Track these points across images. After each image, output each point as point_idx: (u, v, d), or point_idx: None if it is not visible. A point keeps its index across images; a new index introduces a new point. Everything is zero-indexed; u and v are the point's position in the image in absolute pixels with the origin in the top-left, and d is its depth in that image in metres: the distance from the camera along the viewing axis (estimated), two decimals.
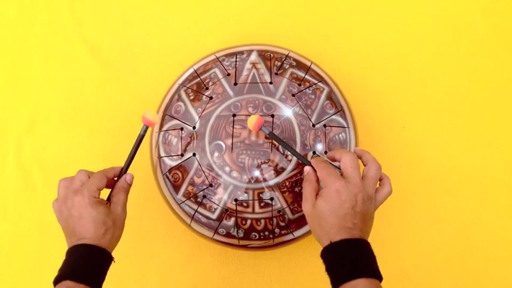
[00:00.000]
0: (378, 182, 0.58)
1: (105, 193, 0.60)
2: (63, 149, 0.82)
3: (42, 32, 0.87)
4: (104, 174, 0.59)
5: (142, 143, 0.77)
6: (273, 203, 0.65)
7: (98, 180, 0.57)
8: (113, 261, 0.57)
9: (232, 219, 0.66)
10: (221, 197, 0.65)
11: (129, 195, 0.79)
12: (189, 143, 0.67)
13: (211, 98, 0.68)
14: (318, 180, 0.58)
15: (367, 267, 0.51)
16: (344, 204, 0.53)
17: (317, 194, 0.57)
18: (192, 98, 0.69)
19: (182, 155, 0.67)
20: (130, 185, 0.61)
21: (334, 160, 0.60)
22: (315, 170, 0.58)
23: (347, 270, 0.51)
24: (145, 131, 0.61)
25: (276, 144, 0.65)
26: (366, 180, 0.56)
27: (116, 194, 0.60)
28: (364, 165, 0.58)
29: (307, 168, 0.59)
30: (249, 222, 0.66)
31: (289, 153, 0.65)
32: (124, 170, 0.61)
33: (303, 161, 0.61)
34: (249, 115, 0.65)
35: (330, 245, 0.53)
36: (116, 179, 0.61)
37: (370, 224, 0.56)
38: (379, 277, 0.51)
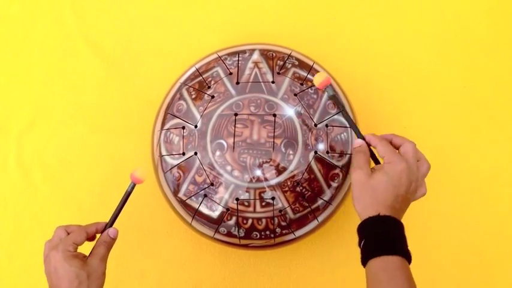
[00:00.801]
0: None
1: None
2: (64, 147, 0.82)
3: (44, 30, 0.87)
4: (84, 230, 0.59)
5: (143, 141, 0.77)
6: (274, 203, 0.65)
7: (75, 235, 0.58)
8: None
9: (234, 218, 0.66)
10: (222, 196, 0.65)
11: (130, 195, 0.80)
12: (190, 142, 0.67)
13: (213, 96, 0.68)
14: (370, 155, 0.59)
15: (405, 248, 0.53)
16: (402, 186, 0.55)
17: (372, 168, 0.57)
18: (194, 96, 0.69)
19: (183, 153, 0.67)
20: (114, 240, 0.60)
21: (397, 146, 0.60)
22: (368, 145, 0.59)
23: (388, 245, 0.52)
24: (132, 188, 0.61)
25: (278, 143, 0.64)
26: (420, 172, 0.58)
27: (97, 247, 0.59)
28: (418, 161, 0.58)
29: (359, 141, 0.60)
30: (250, 221, 0.66)
31: (290, 152, 0.65)
32: (109, 225, 0.61)
33: (356, 133, 0.61)
34: (251, 114, 0.65)
35: (377, 216, 0.53)
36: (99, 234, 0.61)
37: (404, 213, 0.57)
38: (410, 261, 0.53)
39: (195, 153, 0.66)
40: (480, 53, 0.86)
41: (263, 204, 0.65)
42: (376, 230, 0.53)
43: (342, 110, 0.63)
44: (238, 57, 0.71)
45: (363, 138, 0.60)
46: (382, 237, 0.52)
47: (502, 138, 0.82)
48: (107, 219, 0.78)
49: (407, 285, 0.50)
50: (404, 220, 0.77)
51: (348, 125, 0.62)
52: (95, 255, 0.58)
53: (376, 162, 0.60)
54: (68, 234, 0.58)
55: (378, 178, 0.55)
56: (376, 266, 0.51)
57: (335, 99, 0.62)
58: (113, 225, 0.61)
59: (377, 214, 0.53)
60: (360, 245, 0.54)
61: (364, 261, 0.52)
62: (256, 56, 0.71)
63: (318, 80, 0.63)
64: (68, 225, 0.60)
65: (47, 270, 0.57)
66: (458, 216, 0.79)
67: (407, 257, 0.52)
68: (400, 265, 0.51)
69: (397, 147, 0.59)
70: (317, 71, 0.72)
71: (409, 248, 0.77)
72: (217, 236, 0.68)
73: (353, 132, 0.70)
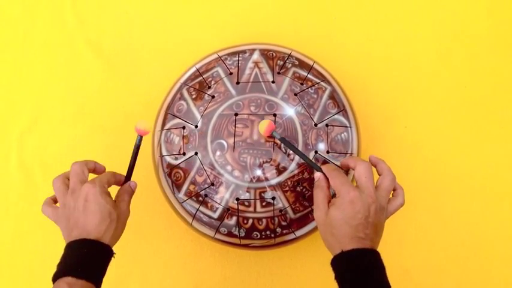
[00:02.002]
0: (392, 192, 0.58)
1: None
2: (65, 147, 0.82)
3: (44, 31, 0.87)
4: (114, 174, 0.61)
5: (144, 141, 0.77)
6: (275, 203, 0.65)
7: (108, 176, 0.60)
8: (113, 257, 0.57)
9: (234, 218, 0.66)
10: (223, 196, 0.65)
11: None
12: (191, 142, 0.67)
13: (213, 96, 0.68)
14: (329, 187, 0.58)
15: (376, 277, 0.52)
16: (357, 214, 0.53)
17: (329, 202, 0.57)
18: (194, 96, 0.69)
19: (184, 153, 0.67)
20: (133, 191, 0.63)
21: (348, 167, 0.60)
22: (326, 177, 0.58)
23: (356, 279, 0.51)
24: (140, 141, 0.62)
25: (278, 143, 0.64)
26: (380, 191, 0.56)
27: (121, 195, 0.61)
28: (379, 175, 0.58)
29: (318, 175, 0.59)
30: (250, 221, 0.66)
31: (291, 152, 0.65)
32: (127, 178, 0.63)
33: (314, 167, 0.61)
34: (251, 114, 0.65)
35: (341, 253, 0.53)
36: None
37: (381, 234, 0.56)
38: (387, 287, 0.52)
39: (196, 153, 0.66)
40: (481, 52, 0.85)
41: (263, 204, 0.65)
42: (345, 266, 0.53)
43: (294, 150, 0.61)
44: (239, 57, 0.71)
45: (320, 170, 0.59)
46: (351, 274, 0.52)
47: (502, 138, 0.82)
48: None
49: None
50: (404, 220, 0.78)
51: (309, 163, 0.62)
52: (122, 202, 0.60)
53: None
54: (88, 169, 0.60)
55: (332, 215, 0.54)
56: None
57: (285, 142, 0.61)
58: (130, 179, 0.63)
59: (340, 252, 0.53)
60: (335, 279, 0.54)
61: None
62: (256, 55, 0.71)
63: (262, 128, 0.61)
64: (85, 161, 0.61)
65: (70, 206, 0.56)
66: (459, 216, 0.79)
67: (384, 286, 0.51)
68: None
69: (351, 169, 0.58)
70: (317, 71, 0.72)
71: (411, 248, 0.78)
72: (217, 236, 0.68)
73: (354, 132, 0.70)
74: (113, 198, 0.60)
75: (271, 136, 0.62)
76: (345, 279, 0.53)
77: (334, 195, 0.58)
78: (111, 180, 0.60)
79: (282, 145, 0.64)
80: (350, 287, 0.52)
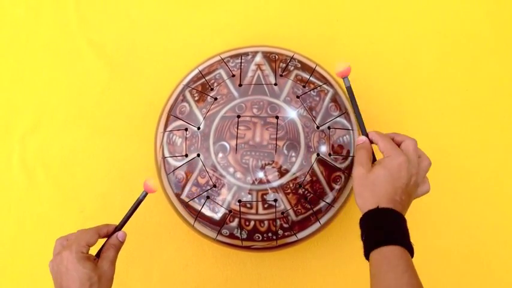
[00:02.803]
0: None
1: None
2: (67, 148, 0.82)
3: (47, 32, 0.87)
4: (96, 231, 0.59)
5: (146, 143, 0.77)
6: (277, 205, 0.65)
7: (88, 236, 0.58)
8: None
9: (236, 220, 0.66)
10: (225, 198, 0.65)
11: (133, 196, 0.80)
12: (193, 144, 0.67)
13: (216, 98, 0.68)
14: (372, 151, 0.60)
15: (406, 239, 0.53)
16: (401, 178, 0.55)
17: (372, 163, 0.58)
18: (196, 98, 0.69)
19: (186, 155, 0.67)
20: (122, 243, 0.61)
21: (399, 143, 0.60)
22: (370, 142, 0.60)
23: (388, 234, 0.52)
24: (144, 197, 0.61)
25: (280, 145, 0.65)
26: (421, 167, 0.58)
27: (106, 250, 0.59)
28: (419, 157, 0.59)
29: (362, 138, 0.61)
30: (252, 223, 0.66)
31: (293, 154, 0.65)
32: (118, 228, 0.61)
33: (362, 128, 0.62)
34: (254, 116, 0.66)
35: (376, 209, 0.54)
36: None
37: (408, 207, 0.57)
38: (412, 252, 0.53)
39: (198, 155, 0.66)
40: (483, 55, 0.86)
41: (265, 206, 0.65)
42: (375, 222, 0.54)
43: (353, 104, 0.62)
44: (241, 59, 0.71)
45: (367, 135, 0.61)
46: (382, 229, 0.53)
47: (504, 140, 0.82)
48: (109, 220, 0.79)
49: (408, 274, 0.50)
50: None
51: (360, 123, 0.62)
52: (105, 259, 0.58)
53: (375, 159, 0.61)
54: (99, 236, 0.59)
55: (377, 172, 0.56)
56: (376, 258, 0.52)
57: (350, 93, 0.62)
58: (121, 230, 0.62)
59: (376, 207, 0.54)
60: (362, 238, 0.54)
61: (367, 254, 0.53)
62: (259, 58, 0.71)
63: (339, 68, 0.62)
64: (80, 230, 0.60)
65: (56, 269, 0.56)
66: (460, 217, 0.79)
67: (408, 247, 0.52)
68: (399, 255, 0.51)
69: (398, 144, 0.59)
70: (320, 73, 0.72)
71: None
72: (219, 237, 0.68)
73: (356, 135, 0.70)
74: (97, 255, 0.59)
75: (343, 77, 0.62)
76: (375, 232, 0.53)
77: (374, 161, 0.59)
78: (90, 241, 0.58)
79: (285, 147, 0.65)
80: (379, 240, 0.52)
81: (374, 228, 0.54)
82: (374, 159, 0.61)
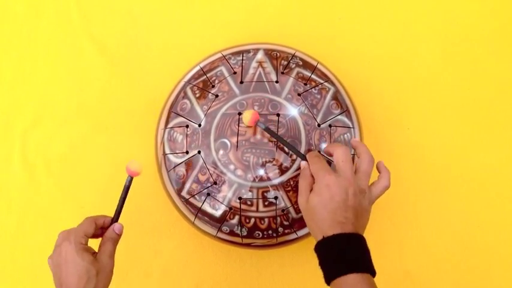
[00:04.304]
0: (378, 175, 0.58)
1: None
2: (68, 145, 0.82)
3: (49, 28, 0.87)
4: (93, 220, 0.59)
5: (147, 139, 0.77)
6: (277, 202, 0.65)
7: (85, 227, 0.57)
8: None
9: (236, 217, 0.66)
10: (225, 195, 0.65)
11: (133, 194, 0.80)
12: (194, 141, 0.67)
13: (217, 96, 0.68)
14: (312, 175, 0.58)
15: (359, 261, 0.51)
16: (334, 197, 0.53)
17: (311, 190, 0.57)
18: (197, 95, 0.69)
19: (187, 152, 0.67)
20: (119, 235, 0.60)
21: (330, 155, 0.59)
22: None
23: (338, 265, 0.51)
24: (130, 182, 0.60)
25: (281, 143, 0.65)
26: (358, 174, 0.56)
27: (104, 243, 0.59)
28: (358, 157, 0.58)
29: (303, 163, 0.60)
30: (252, 220, 0.66)
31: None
32: (114, 220, 0.61)
33: (299, 156, 0.61)
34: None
35: (322, 239, 0.53)
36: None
37: (365, 218, 0.56)
38: (372, 272, 0.51)
39: (199, 152, 0.66)
40: (484, 55, 0.85)
41: (266, 203, 0.65)
42: (326, 252, 0.53)
43: (278, 138, 0.62)
44: (243, 56, 0.71)
45: (305, 159, 0.60)
46: (332, 260, 0.52)
47: (505, 141, 0.82)
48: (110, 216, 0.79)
49: None
50: (406, 221, 0.78)
51: (293, 152, 0.62)
52: (104, 252, 0.57)
53: None
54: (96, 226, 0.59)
55: (312, 201, 0.55)
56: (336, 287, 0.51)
57: (269, 132, 0.62)
58: (118, 221, 0.61)
59: (322, 238, 0.53)
60: (319, 266, 0.54)
61: (327, 283, 0.52)
62: (260, 55, 0.71)
63: (246, 118, 0.62)
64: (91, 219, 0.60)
65: (55, 261, 0.56)
66: (461, 218, 0.79)
67: (367, 270, 0.51)
68: (355, 282, 0.50)
69: (330, 155, 0.59)
70: (321, 71, 0.72)
71: (412, 249, 0.78)
72: (219, 234, 0.68)
73: (357, 133, 0.70)
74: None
75: (255, 126, 0.62)
76: (326, 264, 0.52)
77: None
78: (88, 231, 0.57)
79: (286, 145, 0.65)
80: (332, 272, 0.51)
81: (327, 258, 0.53)
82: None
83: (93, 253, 0.58)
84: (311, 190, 0.57)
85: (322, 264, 0.53)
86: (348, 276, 0.50)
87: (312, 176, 0.58)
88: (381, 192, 0.57)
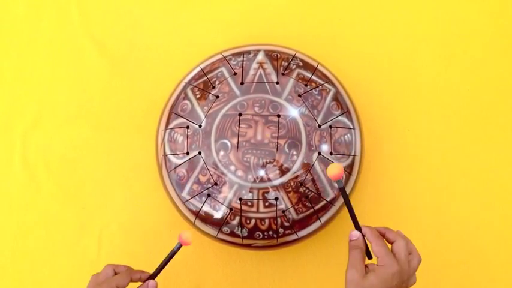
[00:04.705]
0: None
1: None
2: (69, 145, 0.82)
3: (49, 28, 0.87)
4: (129, 275, 0.60)
5: (147, 140, 0.77)
6: (278, 203, 0.65)
7: (120, 279, 0.59)
8: None
9: (237, 218, 0.66)
10: (226, 196, 0.65)
11: (134, 193, 0.80)
12: (194, 142, 0.67)
13: (217, 96, 0.68)
14: (365, 250, 0.60)
15: None
16: (394, 286, 0.57)
17: (365, 265, 0.59)
18: (198, 96, 0.69)
19: (188, 153, 0.67)
20: None
21: (390, 240, 0.61)
22: (363, 238, 0.60)
23: None
24: (178, 249, 0.62)
25: (281, 144, 0.65)
26: (410, 269, 0.59)
27: None
28: (409, 253, 0.60)
29: (356, 234, 0.60)
30: (253, 221, 0.66)
31: (294, 153, 0.65)
32: (151, 277, 0.62)
33: (355, 225, 0.61)
34: (255, 114, 0.66)
35: None
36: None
37: None
38: None
39: (199, 153, 0.67)
40: (484, 55, 0.85)
41: (266, 204, 0.65)
42: None
43: (348, 204, 0.61)
44: (243, 57, 0.71)
45: (360, 230, 0.60)
46: None
47: (506, 141, 0.82)
48: (109, 219, 0.79)
49: None
50: (406, 223, 0.78)
51: (353, 221, 0.62)
52: None
53: (368, 254, 0.61)
54: (115, 273, 0.60)
55: (371, 280, 0.56)
56: None
57: (343, 193, 0.61)
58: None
59: None
60: None
61: None
62: (260, 56, 0.71)
63: (333, 171, 0.60)
64: (117, 265, 0.62)
65: None
66: (461, 218, 0.79)
67: None
68: None
69: (390, 242, 0.60)
70: (322, 72, 0.72)
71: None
72: (220, 235, 0.68)
73: (357, 134, 0.70)
74: None
75: (336, 180, 0.60)
76: None
77: (368, 257, 0.61)
78: (122, 283, 0.59)
79: (286, 146, 0.65)
80: None
81: None
82: (368, 253, 0.61)
83: None
84: (365, 266, 0.59)
85: None
86: None
87: (365, 251, 0.60)
88: (417, 268, 0.61)
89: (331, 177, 0.60)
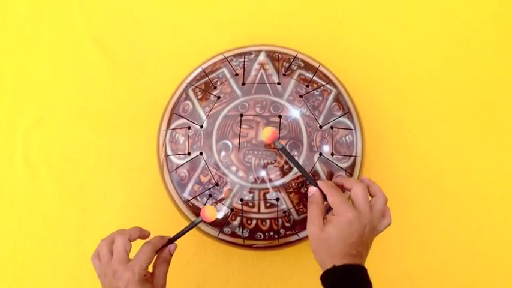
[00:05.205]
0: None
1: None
2: (70, 145, 0.83)
3: (51, 29, 0.87)
4: (154, 249, 0.60)
5: (149, 140, 0.78)
6: (279, 204, 0.65)
7: (147, 257, 0.59)
8: None
9: (238, 218, 0.66)
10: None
11: (135, 193, 0.80)
12: (196, 142, 0.67)
13: (219, 97, 0.68)
14: (323, 203, 0.60)
15: None
16: (354, 234, 0.56)
17: (324, 218, 0.59)
18: (200, 97, 0.69)
19: (189, 153, 0.67)
20: (172, 255, 0.62)
21: (342, 187, 0.62)
22: (321, 193, 0.61)
23: None
24: (199, 222, 0.62)
25: (283, 144, 0.65)
26: (373, 212, 0.58)
27: (159, 265, 0.61)
28: (372, 196, 0.60)
29: (313, 189, 0.61)
30: (254, 222, 0.66)
31: (295, 154, 0.65)
32: (171, 241, 0.63)
33: (310, 182, 0.62)
34: (257, 115, 0.66)
35: (332, 268, 0.56)
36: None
37: (369, 251, 0.60)
38: None
39: (201, 153, 0.67)
40: (485, 57, 0.86)
41: (267, 205, 0.65)
42: (334, 281, 0.55)
43: (292, 160, 0.62)
44: (244, 58, 0.71)
45: (316, 185, 0.61)
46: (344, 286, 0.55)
47: (506, 143, 0.82)
48: (111, 218, 0.79)
49: None
50: (406, 224, 0.78)
51: (306, 177, 0.63)
52: (159, 276, 0.60)
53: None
54: (130, 240, 0.60)
55: (328, 232, 0.57)
56: None
57: (285, 153, 0.62)
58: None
59: (332, 266, 0.55)
60: None
61: None
62: (262, 57, 0.71)
63: (266, 135, 0.62)
64: (126, 231, 0.61)
65: (109, 279, 0.57)
66: (462, 220, 0.79)
67: None
68: None
69: (348, 190, 0.60)
70: (323, 73, 0.72)
71: (413, 251, 0.78)
72: (221, 236, 0.68)
73: (358, 135, 0.70)
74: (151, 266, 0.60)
75: (271, 144, 0.63)
76: None
77: (328, 211, 0.60)
78: (149, 260, 0.59)
79: (287, 146, 0.65)
80: None
81: (335, 285, 0.55)
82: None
83: (151, 276, 0.60)
84: (323, 218, 0.59)
85: None
86: None
87: (323, 204, 0.60)
88: (384, 228, 0.60)
89: (266, 141, 0.62)
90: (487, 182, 0.81)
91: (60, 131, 0.83)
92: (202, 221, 0.62)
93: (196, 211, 0.68)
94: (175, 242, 0.63)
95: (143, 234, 0.63)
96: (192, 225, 0.63)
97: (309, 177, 0.62)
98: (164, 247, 0.62)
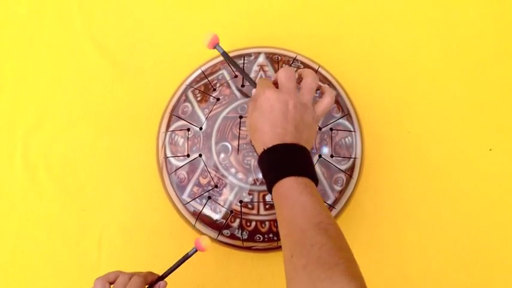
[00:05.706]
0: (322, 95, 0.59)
1: None
2: (70, 147, 0.82)
3: (51, 30, 0.87)
4: (144, 282, 0.58)
5: (148, 142, 0.78)
6: None
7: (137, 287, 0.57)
8: None
9: (237, 220, 0.66)
10: (226, 198, 0.65)
11: (134, 195, 0.80)
12: (195, 144, 0.67)
13: (218, 99, 0.68)
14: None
15: (295, 166, 0.53)
16: (274, 110, 0.55)
17: None
18: (199, 99, 0.69)
19: (188, 155, 0.67)
20: None
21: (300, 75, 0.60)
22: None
23: (276, 171, 0.53)
24: (193, 253, 0.62)
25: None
26: (301, 90, 0.57)
27: None
28: (303, 78, 0.59)
29: (253, 91, 0.61)
30: (253, 224, 0.66)
31: None
32: (161, 277, 0.62)
33: (251, 84, 0.62)
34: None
35: (263, 152, 0.54)
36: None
37: (309, 133, 0.57)
38: (312, 177, 0.52)
39: (200, 155, 0.67)
40: (485, 58, 0.85)
41: (267, 206, 0.65)
42: (266, 163, 0.54)
43: (232, 63, 0.63)
44: (244, 60, 0.71)
45: (255, 86, 0.61)
46: (272, 167, 0.53)
47: (506, 144, 0.82)
48: (110, 220, 0.79)
49: (311, 199, 0.50)
50: (406, 225, 0.78)
51: (247, 79, 0.64)
52: None
53: None
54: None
55: (253, 116, 0.57)
56: (275, 194, 0.53)
57: (226, 56, 0.62)
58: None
59: (262, 150, 0.55)
60: (263, 178, 0.56)
61: (270, 192, 0.54)
62: (261, 59, 0.71)
63: (206, 40, 0.62)
64: (107, 275, 0.59)
65: None
66: (461, 221, 0.79)
67: (306, 174, 0.52)
68: (294, 183, 0.51)
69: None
70: (322, 75, 0.72)
71: (412, 252, 0.78)
72: (220, 238, 0.68)
73: (358, 137, 0.70)
74: None
75: (214, 47, 0.62)
76: (267, 174, 0.54)
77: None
78: None
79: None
80: (271, 179, 0.53)
81: (267, 167, 0.54)
82: None
83: None
84: None
85: (264, 175, 0.55)
86: (285, 179, 0.51)
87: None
88: (324, 108, 0.58)
89: (207, 47, 0.62)
90: (488, 184, 0.81)
91: (60, 132, 0.83)
92: (196, 251, 0.61)
93: (196, 213, 0.68)
94: (165, 279, 0.61)
95: (148, 281, 0.61)
96: (185, 258, 0.62)
97: (250, 80, 0.63)
98: (154, 284, 0.60)
